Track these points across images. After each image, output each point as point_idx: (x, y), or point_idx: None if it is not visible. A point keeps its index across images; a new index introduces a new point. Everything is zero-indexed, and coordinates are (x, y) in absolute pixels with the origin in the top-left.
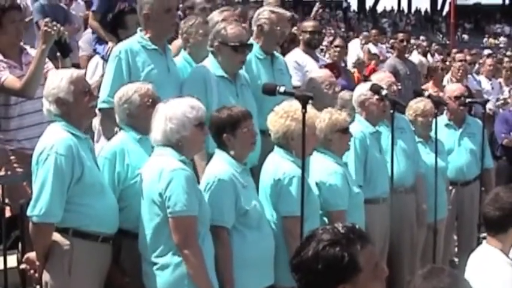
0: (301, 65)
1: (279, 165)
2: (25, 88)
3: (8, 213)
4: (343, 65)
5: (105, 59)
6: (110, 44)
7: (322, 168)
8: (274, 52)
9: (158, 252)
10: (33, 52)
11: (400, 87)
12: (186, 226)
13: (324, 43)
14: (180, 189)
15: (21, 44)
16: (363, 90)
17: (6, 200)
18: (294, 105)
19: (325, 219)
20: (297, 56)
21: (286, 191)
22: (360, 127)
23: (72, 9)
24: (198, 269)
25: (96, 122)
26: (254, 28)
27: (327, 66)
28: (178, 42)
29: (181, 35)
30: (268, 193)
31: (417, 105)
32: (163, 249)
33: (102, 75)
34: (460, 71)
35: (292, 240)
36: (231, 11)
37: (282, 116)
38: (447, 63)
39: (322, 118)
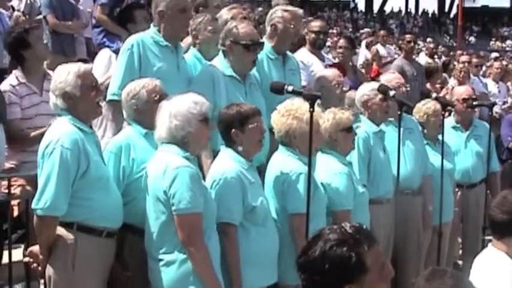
0: (306, 65)
1: (285, 163)
2: (14, 141)
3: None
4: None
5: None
6: (124, 38)
7: (327, 168)
8: (287, 52)
9: (164, 249)
10: None
11: (408, 89)
12: (190, 223)
13: (328, 43)
14: (184, 187)
15: (46, 68)
16: (365, 90)
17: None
18: (296, 103)
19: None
20: (302, 55)
21: (293, 188)
22: (363, 126)
23: (80, 5)
24: (203, 266)
25: None
26: (267, 28)
27: (332, 66)
28: (188, 39)
29: (191, 32)
30: (274, 191)
31: (427, 105)
32: (169, 246)
33: None
34: (462, 73)
35: (299, 238)
36: (239, 9)
37: (284, 114)
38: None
39: (325, 118)
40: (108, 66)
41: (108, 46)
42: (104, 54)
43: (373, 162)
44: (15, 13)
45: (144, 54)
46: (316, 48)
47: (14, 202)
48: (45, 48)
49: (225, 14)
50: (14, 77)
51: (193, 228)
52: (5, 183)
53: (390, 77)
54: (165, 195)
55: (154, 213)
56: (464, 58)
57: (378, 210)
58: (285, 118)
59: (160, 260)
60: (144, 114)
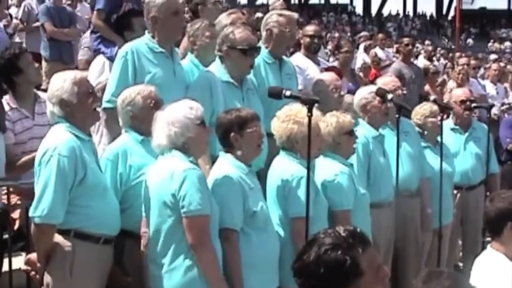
0: (302, 69)
1: (286, 167)
2: (9, 167)
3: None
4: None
5: (112, 60)
6: (119, 45)
7: (328, 168)
8: (283, 57)
9: (169, 255)
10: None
11: (405, 92)
12: (200, 225)
13: (329, 47)
14: (193, 188)
15: (36, 91)
16: (364, 93)
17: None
18: (295, 108)
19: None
20: (298, 60)
21: (294, 192)
22: (362, 131)
23: (78, 11)
24: (212, 269)
25: None
26: (263, 33)
27: (327, 69)
28: (185, 43)
29: (188, 38)
30: (276, 195)
31: (424, 107)
32: (174, 251)
33: None
34: (461, 75)
35: (300, 242)
36: (238, 14)
37: (284, 120)
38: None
39: (329, 122)
40: (101, 73)
41: (102, 52)
42: (99, 61)
43: (373, 166)
44: (14, 21)
45: (139, 62)
46: (311, 52)
47: (15, 216)
48: (37, 72)
49: (224, 19)
50: (5, 103)
51: (202, 231)
52: (4, 196)
53: (387, 80)
54: (174, 199)
55: (159, 219)
56: (463, 60)
57: (379, 214)
58: (286, 124)
59: (164, 266)
60: (140, 120)
